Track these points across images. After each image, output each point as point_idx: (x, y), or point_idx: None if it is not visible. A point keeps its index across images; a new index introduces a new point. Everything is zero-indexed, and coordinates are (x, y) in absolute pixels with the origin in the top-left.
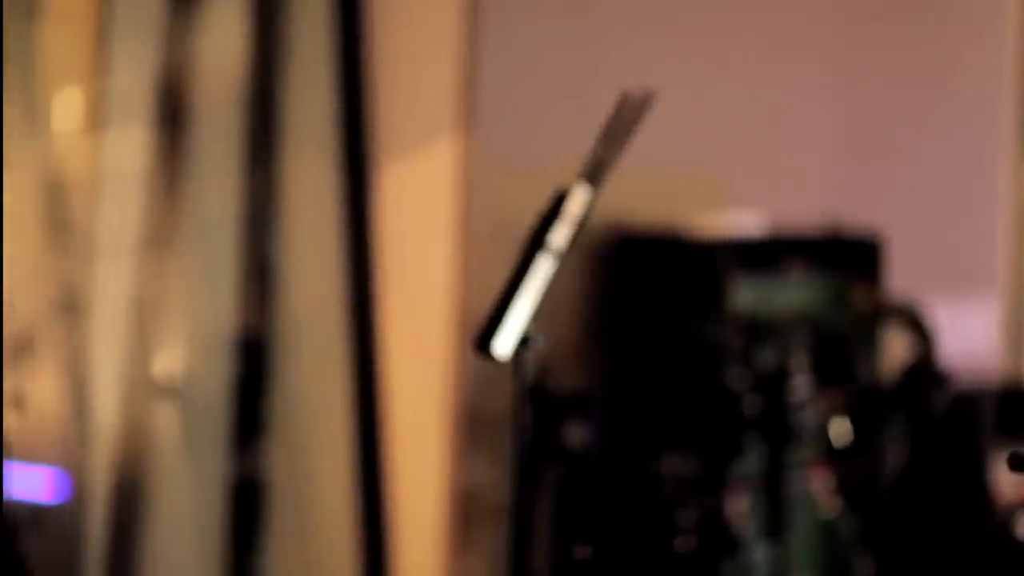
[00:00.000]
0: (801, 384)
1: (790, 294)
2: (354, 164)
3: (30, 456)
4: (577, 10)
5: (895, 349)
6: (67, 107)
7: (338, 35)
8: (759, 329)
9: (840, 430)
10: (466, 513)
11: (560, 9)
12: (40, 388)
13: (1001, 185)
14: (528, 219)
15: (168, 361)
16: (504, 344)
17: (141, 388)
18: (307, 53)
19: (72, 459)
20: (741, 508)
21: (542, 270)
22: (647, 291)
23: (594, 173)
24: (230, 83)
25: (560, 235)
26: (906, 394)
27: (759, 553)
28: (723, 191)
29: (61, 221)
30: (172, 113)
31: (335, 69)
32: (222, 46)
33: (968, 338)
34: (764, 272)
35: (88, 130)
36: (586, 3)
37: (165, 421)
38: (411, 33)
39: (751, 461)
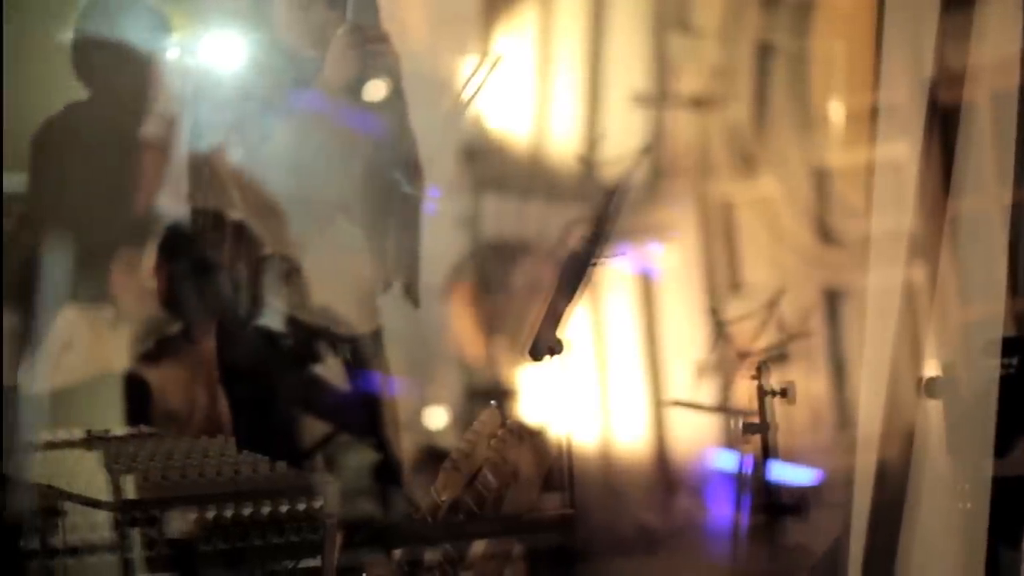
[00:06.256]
0: None
1: None
2: None
3: (795, 444)
4: None
5: None
6: (840, 110)
7: None
8: None
9: None
10: None
11: None
12: (807, 379)
13: None
14: None
15: (937, 359)
16: None
17: (908, 385)
18: None
19: (837, 450)
20: None
21: None
22: None
23: None
24: (1004, 86)
25: None
26: None
27: None
28: None
29: (832, 218)
30: (943, 117)
31: None
32: (998, 48)
33: None
34: None
35: (860, 132)
36: None
37: (930, 418)
38: None
39: None
